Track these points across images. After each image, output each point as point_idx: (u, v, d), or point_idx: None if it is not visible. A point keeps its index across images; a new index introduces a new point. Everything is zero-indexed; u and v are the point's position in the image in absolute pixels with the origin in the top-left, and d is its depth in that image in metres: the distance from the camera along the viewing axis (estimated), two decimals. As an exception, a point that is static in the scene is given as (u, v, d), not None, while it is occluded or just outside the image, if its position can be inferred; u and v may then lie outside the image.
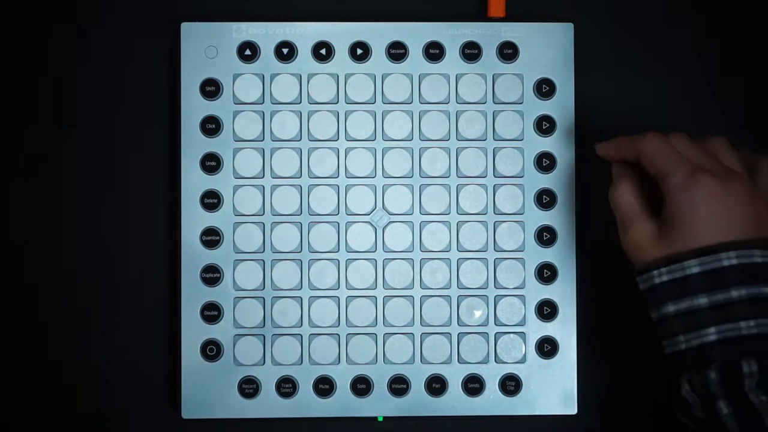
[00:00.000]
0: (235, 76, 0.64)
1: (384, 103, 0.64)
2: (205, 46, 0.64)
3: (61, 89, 0.65)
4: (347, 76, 0.64)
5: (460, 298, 0.64)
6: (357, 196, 0.64)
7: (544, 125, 0.64)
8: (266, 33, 0.64)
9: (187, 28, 0.64)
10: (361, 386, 0.63)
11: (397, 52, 0.64)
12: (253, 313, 0.63)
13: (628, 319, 0.65)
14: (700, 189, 0.53)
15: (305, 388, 0.63)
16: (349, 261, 0.64)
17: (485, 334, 0.64)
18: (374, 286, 0.64)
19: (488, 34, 0.64)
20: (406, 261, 0.64)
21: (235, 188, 0.64)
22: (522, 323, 0.64)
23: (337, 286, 0.64)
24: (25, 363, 0.65)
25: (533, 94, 0.64)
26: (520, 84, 0.64)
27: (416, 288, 0.64)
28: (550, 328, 0.64)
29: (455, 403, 0.64)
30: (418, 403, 0.64)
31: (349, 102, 0.64)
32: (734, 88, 0.66)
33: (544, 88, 0.64)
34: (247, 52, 0.64)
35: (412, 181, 0.64)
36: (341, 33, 0.64)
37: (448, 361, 0.64)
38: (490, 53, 0.64)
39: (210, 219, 0.64)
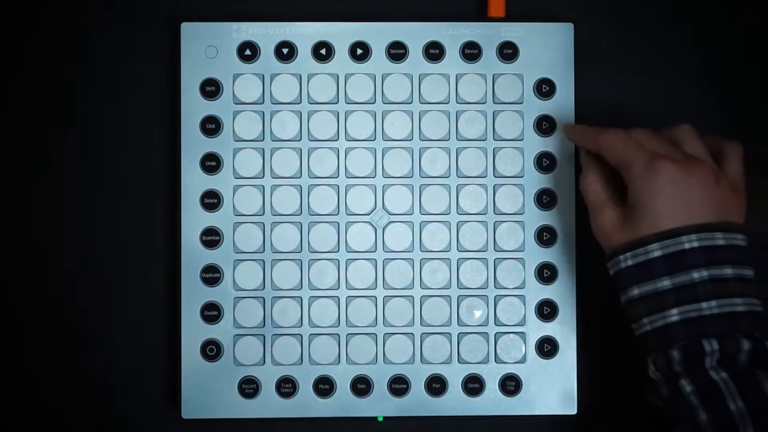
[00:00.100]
0: (235, 76, 0.64)
1: (384, 103, 0.64)
2: (205, 46, 0.64)
3: (61, 89, 0.65)
4: (347, 76, 0.64)
5: (460, 298, 0.64)
6: (357, 196, 0.64)
7: (544, 125, 0.64)
8: (266, 33, 0.64)
9: (187, 28, 0.64)
10: (361, 386, 0.63)
11: (397, 52, 0.64)
12: (253, 313, 0.63)
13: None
14: (659, 175, 0.55)
15: (305, 388, 0.63)
16: (349, 261, 0.64)
17: (485, 334, 0.64)
18: (374, 286, 0.64)
19: (488, 34, 0.64)
20: (406, 261, 0.64)
21: (235, 188, 0.64)
22: (522, 323, 0.64)
23: (337, 286, 0.64)
24: (25, 363, 0.65)
25: (533, 94, 0.64)
26: (520, 84, 0.64)
27: (416, 288, 0.64)
28: (550, 328, 0.64)
29: (455, 403, 0.64)
30: (418, 403, 0.64)
31: (349, 102, 0.64)
32: (734, 88, 0.66)
33: (544, 88, 0.64)
34: (247, 52, 0.64)
35: (412, 181, 0.64)
36: (341, 33, 0.64)
37: (448, 361, 0.64)
38: (490, 53, 0.64)
39: (210, 219, 0.64)
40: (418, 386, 0.64)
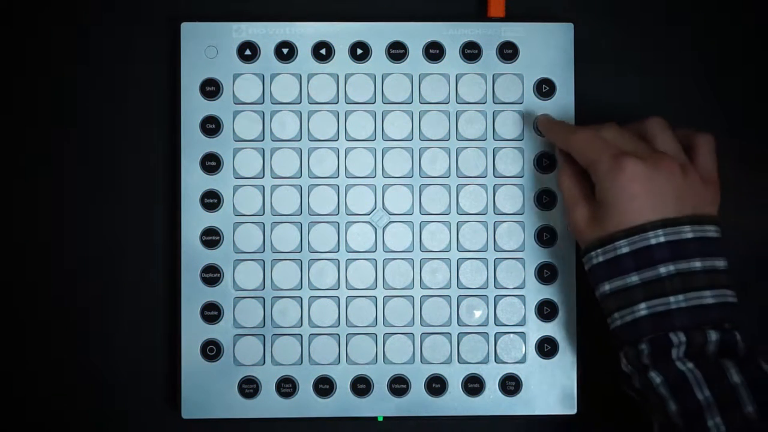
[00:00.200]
0: (235, 76, 0.64)
1: (384, 103, 0.64)
2: (205, 46, 0.64)
3: (61, 89, 0.65)
4: (347, 76, 0.64)
5: (460, 298, 0.64)
6: (357, 196, 0.64)
7: (544, 125, 0.64)
8: (266, 33, 0.64)
9: (187, 28, 0.64)
10: (361, 386, 0.63)
11: (397, 52, 0.64)
12: (253, 313, 0.63)
13: (628, 319, 0.65)
14: (624, 172, 0.55)
15: (305, 388, 0.63)
16: (349, 261, 0.64)
17: (485, 334, 0.64)
18: (374, 286, 0.64)
19: (488, 34, 0.64)
20: (406, 261, 0.64)
21: (235, 188, 0.64)
22: (522, 323, 0.64)
23: (337, 286, 0.64)
24: (25, 363, 0.65)
25: (533, 94, 0.64)
26: (520, 84, 0.64)
27: (416, 288, 0.64)
28: (550, 328, 0.64)
29: (455, 403, 0.64)
30: (418, 403, 0.64)
31: (349, 102, 0.64)
32: (734, 88, 0.66)
33: (544, 88, 0.64)
34: (247, 52, 0.64)
35: (412, 181, 0.64)
36: (341, 33, 0.64)
37: (448, 361, 0.64)
38: (490, 53, 0.64)
39: (210, 219, 0.64)
40: (418, 386, 0.64)
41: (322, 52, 0.64)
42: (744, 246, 0.66)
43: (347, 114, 0.64)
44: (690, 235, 0.55)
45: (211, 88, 0.64)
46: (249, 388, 0.63)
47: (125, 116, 0.65)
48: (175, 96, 0.64)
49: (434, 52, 0.64)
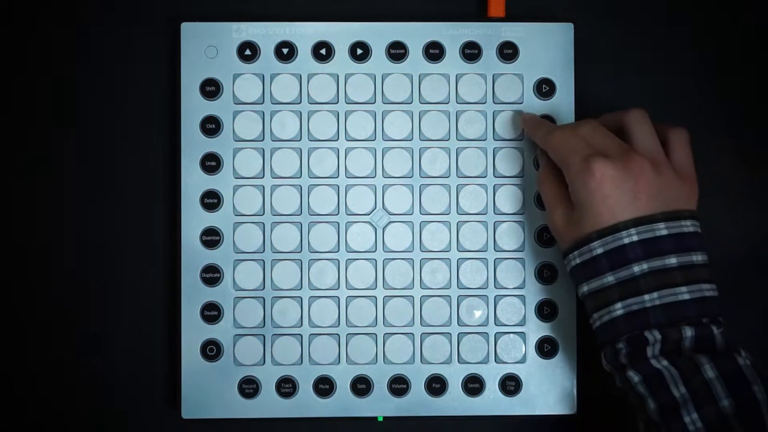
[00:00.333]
0: (235, 76, 0.64)
1: (384, 103, 0.64)
2: (205, 46, 0.64)
3: (61, 89, 0.65)
4: (347, 76, 0.64)
5: (460, 298, 0.64)
6: (357, 196, 0.64)
7: (544, 125, 0.64)
8: (266, 33, 0.64)
9: (187, 28, 0.64)
10: (361, 386, 0.63)
11: (397, 52, 0.64)
12: (253, 313, 0.63)
13: (628, 319, 0.65)
14: (593, 174, 0.55)
15: (305, 388, 0.63)
16: (349, 261, 0.64)
17: (485, 334, 0.64)
18: (374, 286, 0.64)
19: (488, 34, 0.64)
20: (406, 261, 0.64)
21: (235, 188, 0.64)
22: (522, 323, 0.64)
23: (337, 286, 0.64)
24: (25, 363, 0.65)
25: (533, 94, 0.64)
26: (520, 84, 0.64)
27: (416, 288, 0.64)
28: (550, 328, 0.64)
29: (455, 403, 0.64)
30: (418, 403, 0.64)
31: (349, 102, 0.64)
32: (734, 88, 0.66)
33: (544, 88, 0.64)
34: (247, 52, 0.64)
35: (412, 181, 0.64)
36: (341, 33, 0.64)
37: (448, 361, 0.64)
38: (490, 53, 0.64)
39: (210, 219, 0.64)
40: (418, 386, 0.64)
41: (322, 52, 0.64)
42: (744, 246, 0.66)
43: (347, 114, 0.64)
44: (664, 232, 0.55)
45: (211, 88, 0.64)
46: (249, 388, 0.63)
47: (125, 116, 0.65)
48: (175, 96, 0.64)
49: (434, 52, 0.64)
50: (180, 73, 0.64)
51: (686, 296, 0.54)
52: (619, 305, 0.55)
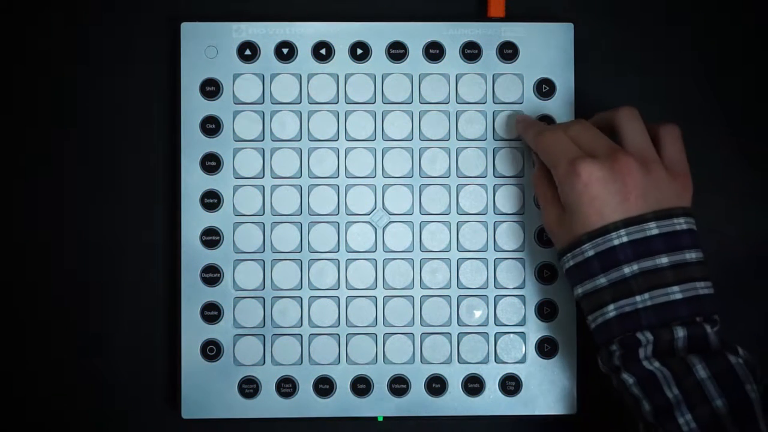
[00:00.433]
0: (235, 76, 0.64)
1: (384, 103, 0.64)
2: (205, 46, 0.64)
3: (61, 89, 0.65)
4: (347, 76, 0.64)
5: (460, 298, 0.64)
6: (357, 196, 0.64)
7: (544, 125, 0.64)
8: (266, 33, 0.64)
9: (187, 28, 0.64)
10: (361, 386, 0.63)
11: (397, 52, 0.64)
12: (253, 313, 0.63)
13: (628, 319, 0.65)
14: (579, 176, 0.55)
15: (305, 388, 0.63)
16: (349, 261, 0.64)
17: (485, 334, 0.64)
18: (374, 286, 0.64)
19: (488, 34, 0.64)
20: (406, 261, 0.64)
21: (235, 188, 0.64)
22: (522, 323, 0.64)
23: (337, 286, 0.64)
24: (25, 363, 0.65)
25: (533, 94, 0.64)
26: (520, 84, 0.64)
27: (416, 288, 0.64)
28: (550, 328, 0.64)
29: (455, 403, 0.64)
30: (418, 403, 0.64)
31: (349, 102, 0.64)
32: (734, 88, 0.66)
33: (544, 88, 0.64)
34: (247, 52, 0.64)
35: (412, 181, 0.64)
36: (341, 33, 0.64)
37: (448, 361, 0.64)
38: (490, 53, 0.64)
39: (210, 219, 0.64)
40: (418, 386, 0.64)
41: (322, 52, 0.64)
42: (744, 246, 0.66)
43: (347, 114, 0.64)
44: (655, 231, 0.55)
45: (211, 88, 0.64)
46: (249, 388, 0.63)
47: (125, 116, 0.65)
48: (175, 96, 0.64)
49: (434, 52, 0.64)
50: (180, 73, 0.64)
51: (678, 296, 0.54)
52: (611, 307, 0.55)
